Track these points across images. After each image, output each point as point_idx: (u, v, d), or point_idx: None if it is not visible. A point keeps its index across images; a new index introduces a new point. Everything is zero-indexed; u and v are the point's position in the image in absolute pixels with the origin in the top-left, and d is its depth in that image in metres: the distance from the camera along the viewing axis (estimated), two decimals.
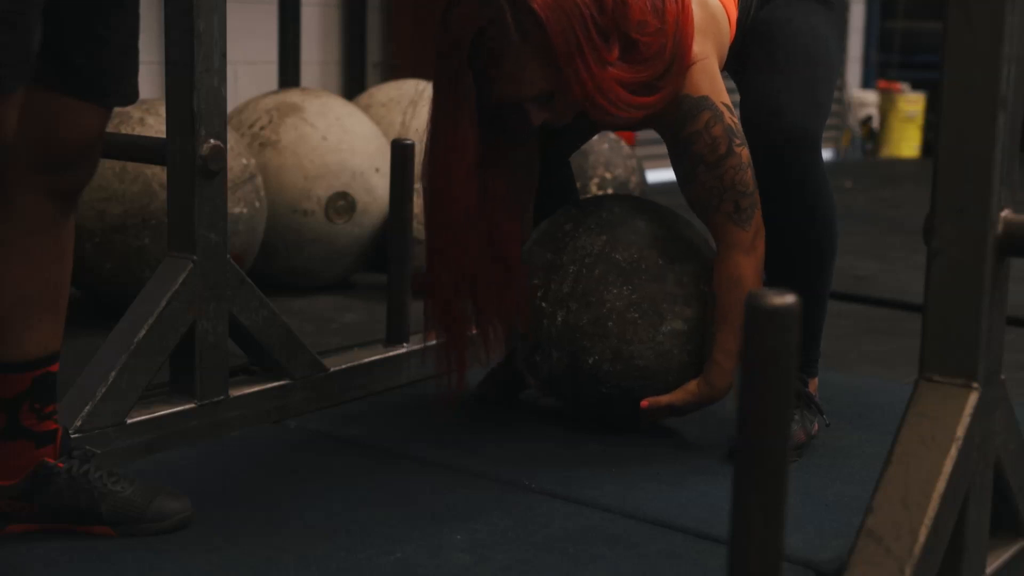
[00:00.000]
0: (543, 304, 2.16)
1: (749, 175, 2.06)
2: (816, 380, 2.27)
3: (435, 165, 2.03)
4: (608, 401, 2.18)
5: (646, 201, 2.28)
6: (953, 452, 1.42)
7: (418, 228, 3.32)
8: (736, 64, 2.20)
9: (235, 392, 2.24)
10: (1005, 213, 1.45)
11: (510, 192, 2.11)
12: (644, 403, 2.13)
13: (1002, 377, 1.53)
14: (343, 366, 2.44)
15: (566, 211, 2.24)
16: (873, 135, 7.60)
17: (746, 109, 2.11)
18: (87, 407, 2.00)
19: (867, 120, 7.55)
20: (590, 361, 2.13)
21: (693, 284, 2.14)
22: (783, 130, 2.07)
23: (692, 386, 2.12)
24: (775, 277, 2.22)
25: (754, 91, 2.09)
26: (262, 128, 3.36)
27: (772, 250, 2.19)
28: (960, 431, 1.43)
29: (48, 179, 1.69)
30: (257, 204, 3.12)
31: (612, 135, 3.85)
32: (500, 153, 2.07)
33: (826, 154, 7.47)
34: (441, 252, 2.06)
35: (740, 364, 2.00)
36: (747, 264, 2.08)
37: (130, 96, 1.74)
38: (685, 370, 2.15)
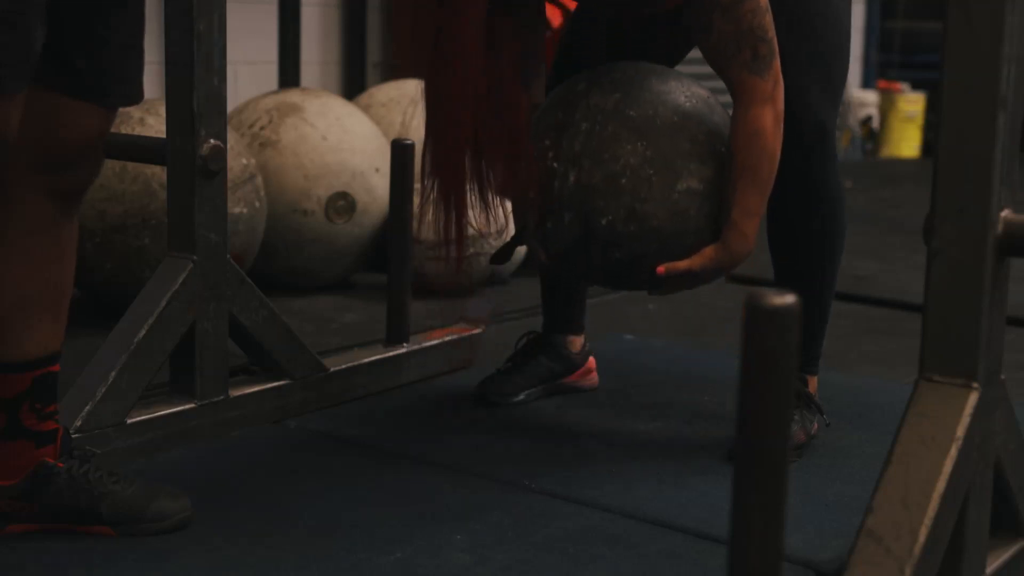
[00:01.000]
0: (554, 164, 2.06)
1: (767, 20, 1.98)
2: (816, 378, 2.27)
3: (442, 30, 1.88)
4: (623, 268, 2.07)
5: (663, 66, 2.19)
6: (953, 452, 1.42)
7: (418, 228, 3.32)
8: None
9: (235, 392, 2.24)
10: (1005, 213, 1.45)
11: (518, 57, 2.01)
12: (660, 269, 2.03)
13: (1002, 377, 1.53)
14: (343, 366, 2.44)
15: (579, 74, 2.15)
16: (873, 135, 7.59)
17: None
18: (87, 407, 2.00)
19: (867, 120, 7.55)
20: (603, 222, 2.02)
21: (710, 143, 2.05)
22: (807, 127, 2.09)
23: (710, 251, 2.04)
24: (779, 270, 2.22)
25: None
26: (262, 128, 3.36)
27: (778, 242, 2.20)
28: (960, 431, 1.43)
29: (48, 179, 1.69)
30: (257, 204, 3.12)
31: None
32: (507, 19, 1.96)
33: None
34: (444, 119, 1.92)
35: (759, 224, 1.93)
36: (766, 116, 1.99)
37: (134, 97, 1.74)
38: (702, 234, 2.05)
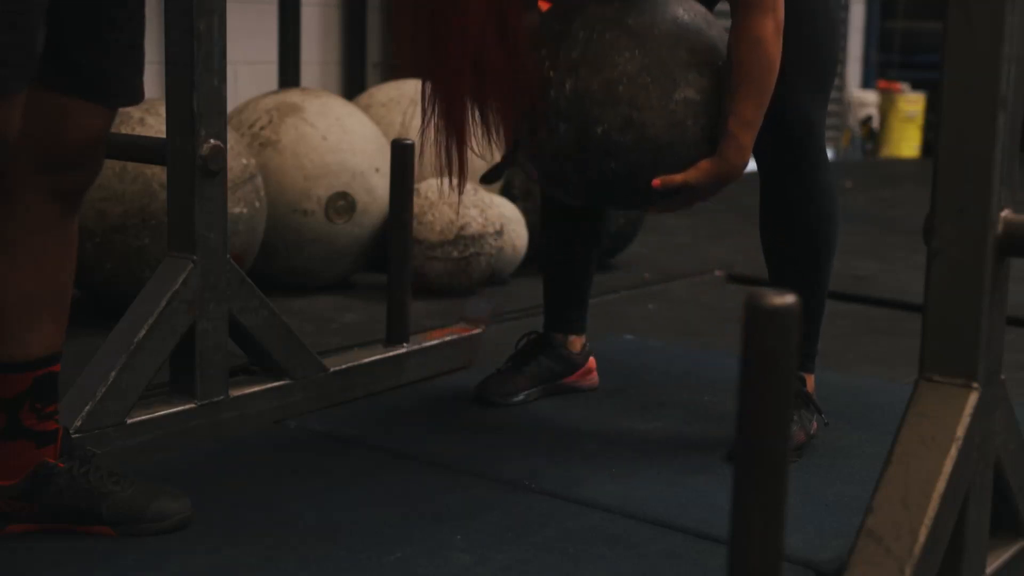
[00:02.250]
0: (551, 73, 2.03)
1: None
2: (813, 377, 2.27)
3: None
4: (618, 182, 2.04)
5: None
6: (953, 452, 1.42)
7: (418, 228, 3.32)
8: None
9: (235, 392, 2.24)
10: (1005, 213, 1.45)
11: None
12: (656, 182, 2.01)
13: (1002, 377, 1.53)
14: (343, 366, 2.44)
15: None
16: (873, 135, 7.60)
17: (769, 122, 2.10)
18: (87, 407, 2.00)
19: (867, 120, 7.55)
20: (599, 131, 2.00)
21: (708, 55, 2.04)
22: (796, 125, 2.10)
23: (706, 163, 2.02)
24: (773, 270, 2.23)
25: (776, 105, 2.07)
26: (262, 128, 3.36)
27: (771, 242, 2.21)
28: (960, 431, 1.43)
29: (51, 179, 1.69)
30: (257, 204, 3.12)
31: None
32: None
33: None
34: (444, 38, 1.91)
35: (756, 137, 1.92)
36: (766, 25, 1.98)
37: (134, 97, 1.74)
38: (698, 147, 2.03)
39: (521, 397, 2.42)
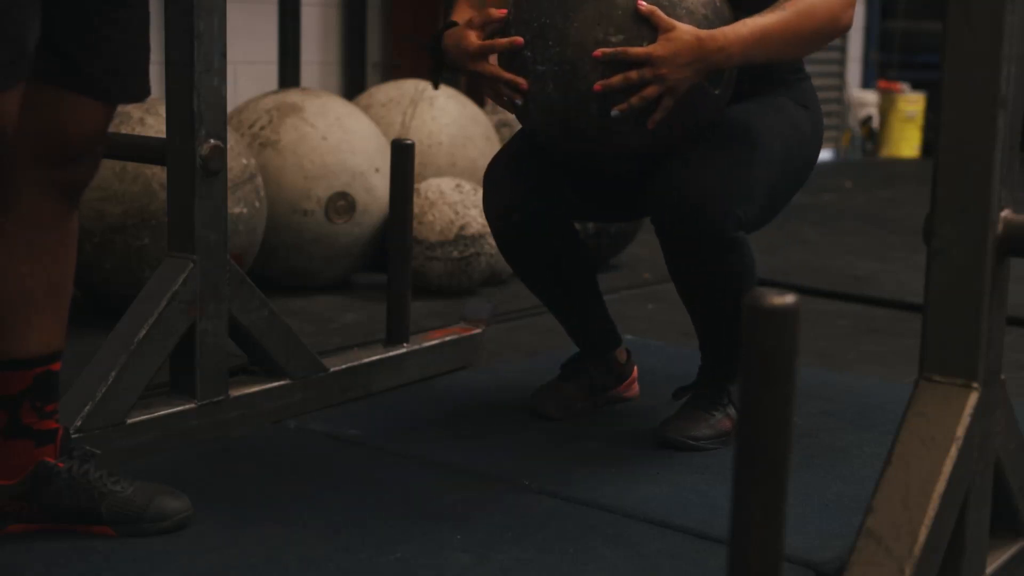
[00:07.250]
0: None
1: None
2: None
3: None
4: None
5: None
6: (953, 452, 1.42)
7: (418, 228, 3.32)
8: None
9: (235, 392, 2.24)
10: (1005, 213, 1.45)
11: None
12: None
13: (1002, 377, 1.53)
14: (343, 366, 2.44)
15: None
16: (873, 135, 7.60)
17: (667, 198, 2.02)
18: (87, 407, 2.00)
19: (867, 120, 7.55)
20: None
21: None
22: (699, 228, 2.01)
23: (688, 28, 1.92)
24: (694, 314, 2.21)
25: (676, 181, 2.01)
26: (262, 128, 3.36)
27: (690, 306, 2.18)
28: (960, 431, 1.43)
29: (50, 174, 1.69)
30: (257, 204, 3.12)
31: None
32: None
33: (826, 154, 7.47)
34: None
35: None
36: None
37: (137, 93, 1.74)
38: (688, 19, 1.95)
39: (576, 409, 2.36)
